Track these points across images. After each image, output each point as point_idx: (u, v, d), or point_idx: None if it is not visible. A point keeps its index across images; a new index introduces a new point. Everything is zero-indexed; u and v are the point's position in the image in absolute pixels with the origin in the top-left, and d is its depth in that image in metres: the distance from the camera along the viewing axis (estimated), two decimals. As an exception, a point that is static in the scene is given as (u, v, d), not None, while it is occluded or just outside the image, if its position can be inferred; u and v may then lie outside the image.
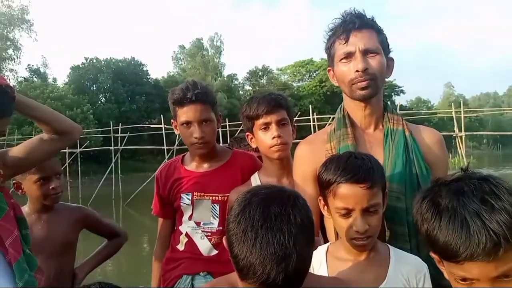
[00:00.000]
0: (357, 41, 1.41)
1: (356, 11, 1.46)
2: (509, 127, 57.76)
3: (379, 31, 1.46)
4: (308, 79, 45.93)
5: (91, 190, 19.46)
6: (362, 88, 1.41)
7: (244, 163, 1.91)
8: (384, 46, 1.46)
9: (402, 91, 49.13)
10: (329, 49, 1.50)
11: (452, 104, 20.79)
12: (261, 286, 0.91)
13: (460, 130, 16.62)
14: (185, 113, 1.82)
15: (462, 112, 17.10)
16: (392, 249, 1.31)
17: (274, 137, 1.65)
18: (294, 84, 45.96)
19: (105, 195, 19.34)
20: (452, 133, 17.04)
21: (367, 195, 1.21)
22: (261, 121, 1.67)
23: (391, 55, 1.50)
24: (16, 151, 1.59)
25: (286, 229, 0.91)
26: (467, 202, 0.90)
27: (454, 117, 17.70)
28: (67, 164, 20.86)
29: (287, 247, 0.90)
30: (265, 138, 1.67)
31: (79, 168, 21.49)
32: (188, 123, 1.83)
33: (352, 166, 1.23)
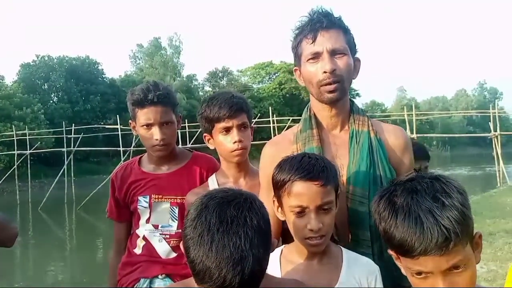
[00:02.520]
0: (325, 41, 1.38)
1: (324, 10, 1.43)
2: (457, 129, 60.98)
3: (346, 31, 1.43)
4: (268, 81, 46.27)
5: (42, 194, 18.62)
6: (330, 92, 1.39)
7: (204, 165, 1.89)
8: (351, 46, 1.43)
9: (358, 94, 50.61)
10: (296, 48, 1.46)
11: (405, 107, 21.70)
12: None
13: (412, 132, 17.31)
14: (145, 115, 1.78)
15: (413, 115, 17.88)
16: (345, 251, 1.32)
17: (235, 142, 1.63)
18: (254, 86, 46.17)
19: (57, 198, 18.57)
20: (404, 135, 17.71)
21: (321, 192, 1.23)
22: (222, 124, 1.64)
23: (357, 55, 1.48)
24: None
25: (242, 232, 0.92)
26: (420, 200, 0.96)
27: (406, 119, 18.48)
28: (15, 166, 19.85)
29: (243, 250, 0.90)
30: (225, 141, 1.65)
31: (29, 171, 20.47)
32: (148, 125, 1.79)
33: (306, 164, 1.25)
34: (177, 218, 1.84)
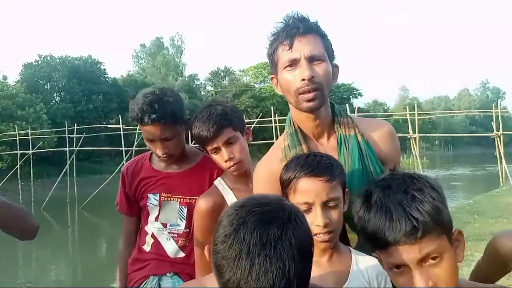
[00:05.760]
0: (302, 47, 1.33)
1: (299, 15, 1.38)
2: (459, 129, 60.80)
3: (323, 36, 1.39)
4: (269, 80, 45.87)
5: (44, 193, 18.66)
6: (309, 100, 1.35)
7: (214, 166, 1.87)
8: (329, 52, 1.39)
9: (360, 94, 50.53)
10: (272, 55, 1.41)
11: (407, 107, 21.63)
12: None
13: (414, 132, 17.29)
14: (145, 132, 1.78)
15: (416, 115, 17.82)
16: (353, 251, 1.33)
17: (226, 161, 1.62)
18: (256, 86, 46.17)
19: (59, 198, 18.61)
20: (406, 135, 17.70)
21: (326, 188, 1.24)
22: (209, 147, 1.64)
23: (335, 61, 1.44)
24: None
25: (287, 257, 0.81)
26: (391, 194, 1.01)
27: (408, 119, 18.41)
28: (18, 166, 19.90)
29: (288, 277, 0.80)
30: (219, 160, 1.65)
31: (31, 170, 20.53)
32: (150, 140, 1.80)
33: (311, 161, 1.27)
34: (185, 218, 1.86)
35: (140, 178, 1.91)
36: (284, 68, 1.37)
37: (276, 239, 0.82)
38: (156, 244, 1.88)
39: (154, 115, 1.70)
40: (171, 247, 1.86)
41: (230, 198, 1.65)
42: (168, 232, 1.87)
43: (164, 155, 1.80)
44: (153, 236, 1.89)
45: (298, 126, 1.47)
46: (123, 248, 2.01)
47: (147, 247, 1.90)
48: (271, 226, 0.83)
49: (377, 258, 1.10)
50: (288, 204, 0.92)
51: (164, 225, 1.88)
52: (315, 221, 1.23)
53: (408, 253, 0.95)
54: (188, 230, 1.85)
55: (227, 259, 0.83)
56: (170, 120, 1.75)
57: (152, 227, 1.90)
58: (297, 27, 1.35)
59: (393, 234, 0.96)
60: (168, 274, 1.85)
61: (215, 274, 0.88)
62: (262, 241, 0.82)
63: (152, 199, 1.88)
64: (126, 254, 1.97)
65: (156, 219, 1.88)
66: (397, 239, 0.95)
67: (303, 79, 1.33)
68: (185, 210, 1.86)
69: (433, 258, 0.96)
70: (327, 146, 1.47)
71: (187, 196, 1.86)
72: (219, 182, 1.73)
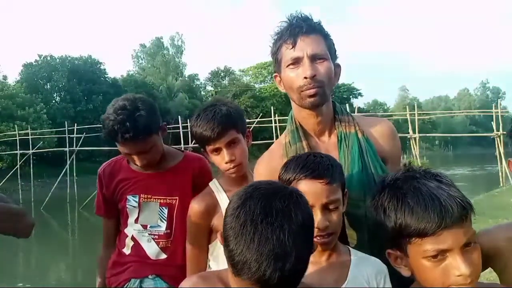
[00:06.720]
0: (305, 46, 1.36)
1: (303, 15, 1.41)
2: (459, 129, 60.83)
3: (326, 36, 1.42)
4: (269, 80, 46.21)
5: (44, 193, 18.68)
6: (311, 96, 1.37)
7: (196, 167, 1.86)
8: (331, 52, 1.42)
9: (360, 94, 50.60)
10: (276, 54, 1.45)
11: (407, 106, 21.65)
12: (255, 284, 0.87)
13: (414, 132, 17.32)
14: (121, 147, 1.75)
15: (416, 115, 17.84)
16: (353, 251, 1.33)
17: (226, 162, 1.59)
18: (256, 86, 46.17)
19: (59, 198, 18.63)
20: (406, 135, 17.71)
21: (326, 190, 1.23)
22: (210, 147, 1.61)
23: (337, 61, 1.47)
24: None
25: (287, 226, 0.87)
26: (426, 182, 1.00)
27: (408, 119, 18.45)
28: (18, 166, 19.91)
29: (286, 245, 0.86)
30: (218, 161, 1.63)
31: (31, 170, 20.54)
32: (127, 154, 1.77)
33: (311, 163, 1.26)
34: (166, 219, 1.82)
35: (118, 179, 1.87)
36: (287, 66, 1.40)
37: (278, 210, 0.89)
38: (137, 246, 1.84)
39: (127, 135, 1.65)
40: (152, 249, 1.83)
41: (224, 199, 1.63)
42: (149, 234, 1.83)
43: (143, 165, 1.78)
44: (133, 238, 1.85)
45: (299, 123, 1.49)
46: (102, 248, 1.98)
47: (127, 250, 1.87)
48: (275, 198, 0.91)
49: (391, 253, 1.07)
50: (291, 186, 1.02)
51: (144, 227, 1.84)
52: (315, 223, 1.22)
53: (456, 237, 0.95)
54: (169, 231, 1.81)
55: (234, 228, 0.90)
56: (145, 135, 1.70)
57: (132, 229, 1.86)
58: (300, 27, 1.38)
59: (445, 217, 0.94)
60: (149, 277, 1.82)
61: (224, 245, 0.92)
62: (265, 211, 0.89)
63: (132, 201, 1.84)
64: (105, 253, 1.95)
65: (136, 221, 1.84)
66: (449, 222, 0.94)
67: (306, 77, 1.35)
68: (165, 211, 1.82)
69: (467, 245, 0.96)
70: (327, 143, 1.48)
71: (167, 196, 1.82)
72: (213, 184, 1.71)
